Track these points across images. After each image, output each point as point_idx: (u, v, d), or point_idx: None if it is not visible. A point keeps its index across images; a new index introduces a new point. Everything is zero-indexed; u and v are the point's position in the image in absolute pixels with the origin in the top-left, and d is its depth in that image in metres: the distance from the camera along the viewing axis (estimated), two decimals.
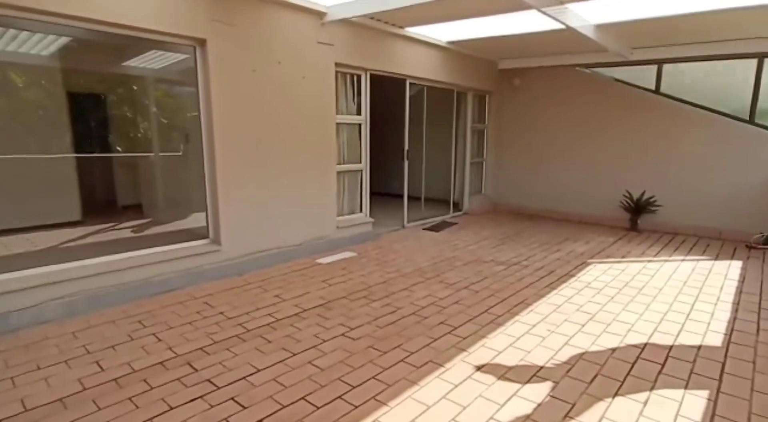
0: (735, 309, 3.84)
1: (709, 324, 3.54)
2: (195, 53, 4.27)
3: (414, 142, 7.18)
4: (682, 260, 5.40)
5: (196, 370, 2.77)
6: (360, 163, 6.05)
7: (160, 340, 3.17)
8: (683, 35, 6.03)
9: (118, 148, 6.18)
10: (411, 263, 5.15)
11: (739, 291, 4.30)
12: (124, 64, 5.45)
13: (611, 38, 6.01)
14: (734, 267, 5.12)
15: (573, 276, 4.74)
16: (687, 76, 6.89)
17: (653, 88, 6.99)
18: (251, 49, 4.54)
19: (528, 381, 2.67)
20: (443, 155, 8.28)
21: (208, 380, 2.66)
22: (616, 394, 2.53)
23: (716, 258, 5.48)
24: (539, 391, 2.56)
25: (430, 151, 8.25)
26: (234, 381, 2.65)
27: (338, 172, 5.70)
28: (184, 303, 3.88)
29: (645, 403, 2.45)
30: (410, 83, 6.61)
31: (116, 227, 5.48)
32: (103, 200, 6.41)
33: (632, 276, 4.71)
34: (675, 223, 6.86)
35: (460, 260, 5.29)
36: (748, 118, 6.35)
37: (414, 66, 6.48)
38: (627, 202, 7.10)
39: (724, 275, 4.81)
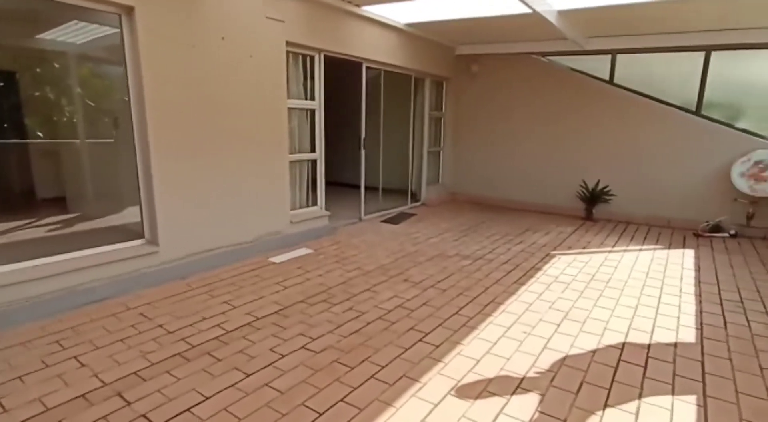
0: (699, 301, 3.84)
1: (678, 318, 3.49)
2: (121, 24, 3.66)
3: (371, 130, 6.83)
4: (640, 250, 5.45)
5: (129, 403, 2.32)
6: (314, 152, 5.62)
7: (83, 366, 2.66)
8: (637, 25, 6.04)
9: (39, 134, 5.37)
10: (372, 259, 4.83)
11: (698, 281, 4.34)
12: (40, 36, 4.67)
13: (570, 25, 5.91)
14: (688, 256, 5.22)
15: (539, 269, 4.61)
16: (640, 67, 6.97)
17: (608, 79, 7.03)
18: (189, 21, 3.97)
19: (513, 394, 2.44)
20: (401, 144, 7.98)
21: (144, 415, 2.22)
22: (606, 405, 2.36)
23: (669, 247, 5.58)
24: (526, 406, 2.34)
25: (387, 140, 7.92)
26: (176, 416, 2.23)
27: (291, 162, 5.25)
28: (116, 315, 3.35)
29: (636, 414, 2.30)
30: (367, 67, 6.22)
31: (33, 225, 4.75)
32: (18, 192, 5.58)
33: (597, 269, 4.66)
34: (628, 213, 6.99)
35: (423, 255, 5.04)
36: (695, 110, 6.51)
37: (371, 48, 6.09)
38: (583, 191, 7.15)
39: (680, 264, 4.88)
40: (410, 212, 7.32)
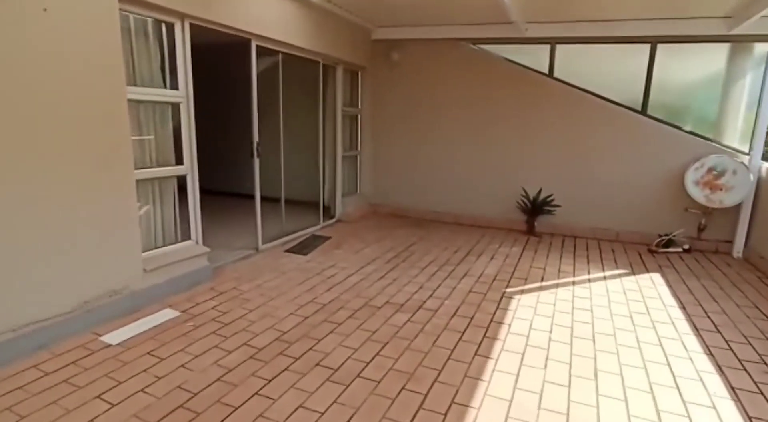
0: (718, 367, 2.87)
1: (715, 408, 2.45)
2: None
3: (269, 132, 5.23)
4: (604, 278, 4.52)
5: None
6: (181, 163, 3.91)
7: None
8: (578, 9, 5.16)
9: None
10: (269, 323, 3.30)
11: (695, 327, 3.43)
12: None
13: (509, 5, 4.83)
14: (659, 284, 4.38)
15: (501, 324, 3.41)
16: (583, 63, 6.15)
17: (547, 72, 6.12)
18: None
19: None
20: (309, 147, 6.46)
21: None
22: None
23: (633, 271, 4.74)
24: None
25: (291, 143, 6.34)
26: None
27: (140, 181, 3.50)
28: None
29: None
30: (259, 47, 4.61)
31: None
32: None
33: (570, 316, 3.57)
34: (572, 224, 6.15)
35: (343, 307, 3.62)
36: (640, 110, 5.82)
37: (263, 22, 4.49)
38: (524, 201, 6.19)
39: (658, 298, 3.99)
40: (323, 234, 5.84)
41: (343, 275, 4.38)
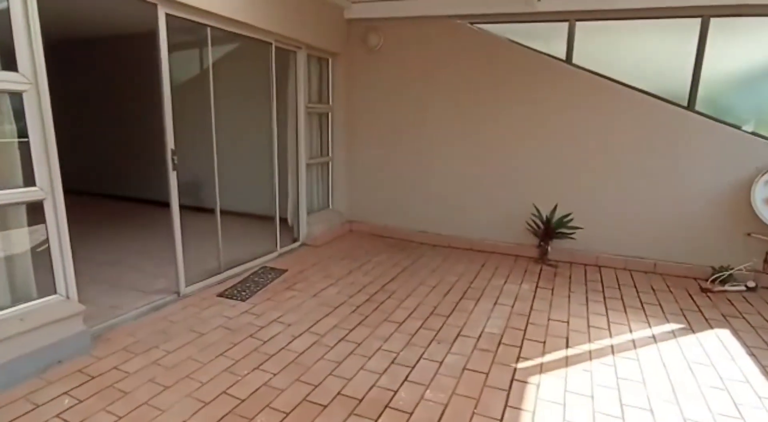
0: None
1: None
2: None
3: (199, 132, 3.95)
4: (653, 338, 3.23)
5: None
6: (33, 184, 2.61)
7: None
8: None
9: None
10: None
11: None
12: None
13: None
14: (735, 351, 3.08)
15: None
16: (610, 43, 4.85)
17: (564, 57, 4.83)
18: None
19: None
20: (262, 152, 5.17)
21: None
22: None
23: (690, 326, 3.45)
24: None
25: (235, 146, 5.11)
26: None
27: None
28: None
29: None
30: (170, 17, 3.32)
31: None
32: None
33: None
34: (596, 251, 4.86)
35: (269, 406, 2.33)
36: (686, 105, 4.52)
37: None
38: (535, 221, 4.90)
39: (745, 380, 2.70)
40: (278, 266, 4.54)
41: (285, 338, 3.09)
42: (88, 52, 7.23)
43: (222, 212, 4.27)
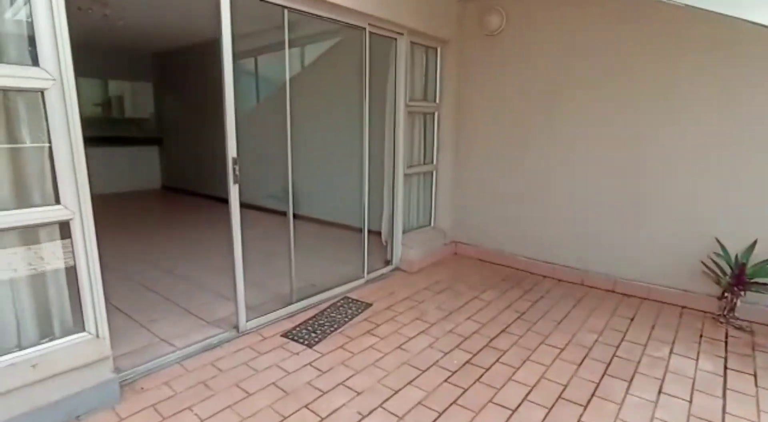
0: None
1: None
2: None
3: (296, 132, 3.36)
4: None
5: None
6: (57, 202, 2.16)
7: None
8: None
9: None
10: None
11: None
12: None
13: None
14: None
15: None
16: None
17: None
18: None
19: None
20: (352, 157, 4.49)
21: None
22: None
23: None
24: None
25: (319, 150, 4.48)
26: None
27: None
28: None
29: None
30: None
31: None
32: None
33: None
34: None
35: None
36: None
37: None
38: (717, 263, 3.43)
39: None
40: (362, 298, 3.78)
41: (350, 416, 2.28)
42: (185, 59, 7.36)
43: (305, 218, 3.64)
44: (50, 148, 2.09)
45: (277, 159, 3.27)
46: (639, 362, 2.83)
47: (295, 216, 3.51)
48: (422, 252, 4.51)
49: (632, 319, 3.45)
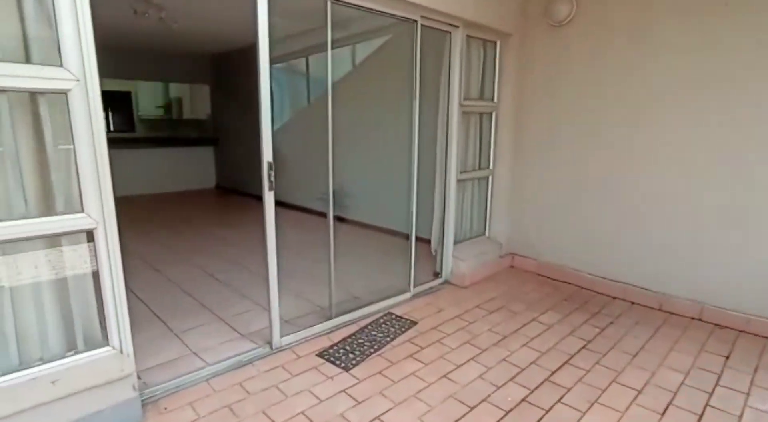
0: None
1: None
2: None
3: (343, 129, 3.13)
4: None
5: None
6: (81, 210, 2.03)
7: None
8: None
9: None
10: None
11: None
12: None
13: None
14: None
15: None
16: None
17: None
18: None
19: None
20: (399, 159, 4.21)
21: None
22: None
23: None
24: None
25: (362, 150, 4.22)
26: None
27: None
28: None
29: None
30: None
31: None
32: None
33: None
34: None
35: None
36: None
37: None
38: None
39: None
40: (406, 315, 3.47)
41: None
42: (240, 60, 7.33)
43: (350, 222, 3.40)
44: (73, 152, 1.97)
45: (326, 160, 3.05)
46: (741, 416, 2.32)
47: (341, 219, 3.30)
48: (475, 265, 4.13)
49: (727, 357, 2.90)
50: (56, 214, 1.98)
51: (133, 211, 6.97)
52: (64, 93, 1.91)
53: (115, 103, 9.58)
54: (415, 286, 3.81)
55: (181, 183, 8.52)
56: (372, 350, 2.92)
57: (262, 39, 2.49)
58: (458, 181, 3.99)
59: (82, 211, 2.02)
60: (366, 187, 5.68)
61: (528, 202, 4.38)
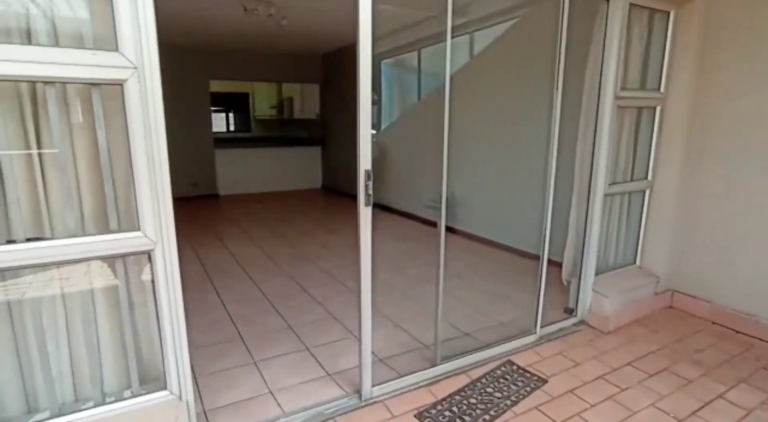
0: None
1: None
2: None
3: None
4: None
5: None
6: (135, 228, 1.67)
7: None
8: None
9: None
10: None
11: None
12: None
13: None
14: None
15: None
16: None
17: None
18: None
19: None
20: (528, 166, 3.44)
21: None
22: None
23: None
24: None
25: (494, 154, 3.52)
26: None
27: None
28: None
29: None
30: None
31: None
32: None
33: None
34: None
35: None
36: None
37: None
38: None
39: None
40: (531, 367, 2.69)
41: None
42: (350, 58, 6.96)
43: (462, 234, 2.75)
44: (129, 156, 1.60)
45: (438, 164, 2.45)
46: None
47: (451, 230, 2.68)
48: (622, 303, 3.19)
49: None
50: (108, 232, 1.63)
51: (239, 209, 7.06)
52: (120, 84, 1.54)
53: (235, 104, 10.03)
54: (542, 326, 3.01)
55: (288, 182, 8.55)
56: (487, 416, 2.23)
57: (363, 29, 1.93)
58: (605, 194, 3.08)
59: (138, 228, 1.65)
60: (482, 194, 4.95)
61: (703, 225, 3.29)
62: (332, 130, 8.53)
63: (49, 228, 1.58)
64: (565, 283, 3.39)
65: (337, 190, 8.45)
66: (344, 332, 3.04)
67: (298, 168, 8.62)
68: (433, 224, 2.71)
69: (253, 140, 9.20)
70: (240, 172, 7.99)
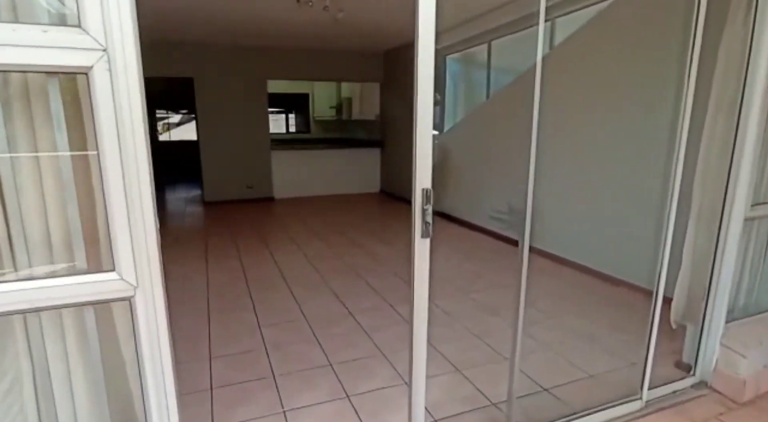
0: None
1: None
2: None
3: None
4: None
5: None
6: (109, 268, 1.24)
7: None
8: None
9: None
10: None
11: None
12: None
13: None
14: None
15: None
16: None
17: None
18: None
19: None
20: (620, 177, 2.73)
21: None
22: None
23: None
24: None
25: (571, 159, 2.87)
26: None
27: None
28: None
29: None
30: None
31: None
32: None
33: None
34: None
35: None
36: None
37: None
38: None
39: None
40: None
41: None
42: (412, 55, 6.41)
43: (533, 251, 2.16)
44: (99, 173, 1.18)
45: (507, 170, 1.87)
46: None
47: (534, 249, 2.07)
48: (764, 364, 2.39)
49: None
50: (75, 274, 1.22)
51: (292, 214, 6.77)
52: (84, 72, 1.12)
53: (295, 105, 9.86)
54: (650, 387, 2.31)
55: (345, 186, 8.18)
56: None
57: (424, 18, 1.41)
58: (746, 219, 2.31)
59: (113, 268, 1.23)
60: (566, 207, 4.23)
61: None
62: (392, 132, 8.05)
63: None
64: (674, 325, 2.64)
65: (395, 196, 7.96)
66: (393, 376, 2.52)
67: (355, 171, 8.23)
68: (499, 237, 2.12)
69: (310, 141, 8.96)
70: (296, 174, 7.74)
